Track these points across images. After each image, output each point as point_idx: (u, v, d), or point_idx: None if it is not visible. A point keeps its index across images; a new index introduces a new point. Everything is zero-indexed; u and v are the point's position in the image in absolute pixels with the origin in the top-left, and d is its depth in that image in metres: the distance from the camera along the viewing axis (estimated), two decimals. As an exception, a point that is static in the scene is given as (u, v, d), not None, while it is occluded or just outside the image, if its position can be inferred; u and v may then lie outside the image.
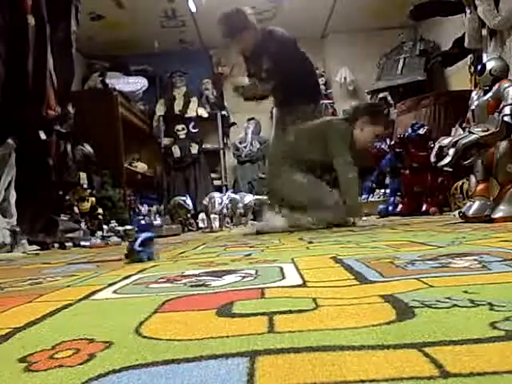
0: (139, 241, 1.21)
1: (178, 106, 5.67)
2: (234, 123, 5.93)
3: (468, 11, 2.80)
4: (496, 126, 1.95)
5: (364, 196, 4.37)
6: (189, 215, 4.41)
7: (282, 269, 0.86)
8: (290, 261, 0.97)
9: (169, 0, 4.71)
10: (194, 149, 5.66)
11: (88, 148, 3.58)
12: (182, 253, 1.52)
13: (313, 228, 2.36)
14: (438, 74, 5.15)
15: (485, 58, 2.64)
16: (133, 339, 0.44)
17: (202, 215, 4.37)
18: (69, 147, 2.97)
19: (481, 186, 2.02)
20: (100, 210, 3.48)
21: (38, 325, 0.53)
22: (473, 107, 2.15)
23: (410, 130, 3.48)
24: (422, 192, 3.41)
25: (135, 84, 5.19)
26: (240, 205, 4.02)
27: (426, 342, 0.37)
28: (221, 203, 3.80)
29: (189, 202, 4.36)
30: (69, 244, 2.57)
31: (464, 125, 2.34)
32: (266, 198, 4.59)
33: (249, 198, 4.22)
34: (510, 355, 0.33)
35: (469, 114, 2.21)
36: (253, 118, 5.79)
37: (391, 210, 3.57)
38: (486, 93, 2.08)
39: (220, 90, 5.92)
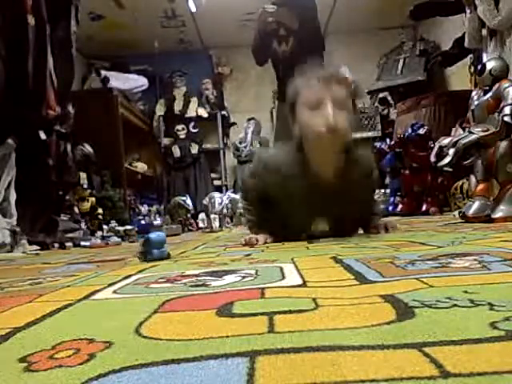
0: (141, 241, 1.22)
1: (178, 106, 5.67)
2: (234, 123, 5.93)
3: (468, 11, 2.80)
4: (496, 126, 1.95)
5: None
6: (189, 215, 4.41)
7: (281, 269, 0.86)
8: (289, 261, 0.97)
9: (169, 0, 4.71)
10: (194, 149, 5.66)
11: (88, 148, 3.58)
12: (182, 253, 1.52)
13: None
14: (438, 74, 5.15)
15: (485, 57, 2.64)
16: (133, 339, 0.44)
17: (202, 215, 4.36)
18: (69, 147, 2.96)
19: (481, 186, 2.02)
20: (100, 210, 3.48)
21: (38, 325, 0.53)
22: (473, 107, 2.15)
23: (409, 130, 3.47)
24: (421, 192, 3.41)
25: (135, 81, 5.19)
26: (240, 205, 4.02)
27: (426, 341, 0.37)
28: (221, 203, 3.80)
29: (189, 202, 4.35)
30: (69, 244, 2.57)
31: (464, 125, 2.34)
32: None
33: (249, 198, 4.22)
34: (510, 355, 0.33)
35: (469, 114, 2.21)
36: (253, 118, 5.79)
37: (391, 209, 3.57)
38: (485, 93, 2.08)
39: (220, 90, 5.92)
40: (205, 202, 3.91)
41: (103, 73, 4.85)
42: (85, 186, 3.44)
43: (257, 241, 1.55)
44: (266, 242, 1.56)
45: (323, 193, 1.42)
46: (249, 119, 5.83)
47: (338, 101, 1.33)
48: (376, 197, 1.82)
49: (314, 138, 1.38)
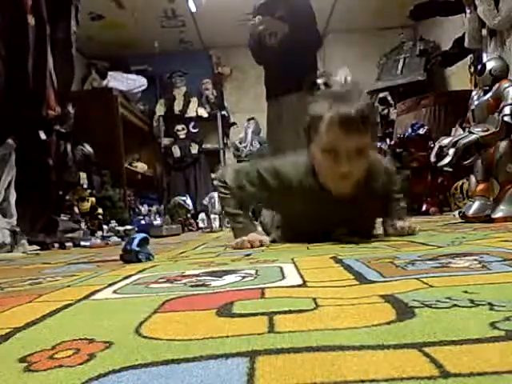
0: (137, 241, 1.21)
1: (178, 106, 5.67)
2: (234, 123, 5.93)
3: (468, 11, 2.80)
4: (496, 125, 1.95)
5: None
6: (189, 215, 4.41)
7: (281, 269, 0.86)
8: (290, 261, 0.97)
9: (169, 0, 4.71)
10: (194, 149, 5.66)
11: (88, 148, 3.58)
12: (182, 253, 1.52)
13: None
14: (438, 74, 5.15)
15: (485, 57, 2.64)
16: (133, 339, 0.44)
17: (202, 215, 4.36)
18: (69, 147, 2.97)
19: (481, 186, 2.02)
20: (100, 210, 3.48)
21: (38, 325, 0.53)
22: (473, 107, 2.15)
23: (409, 130, 3.48)
24: (421, 192, 3.41)
25: (134, 81, 5.19)
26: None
27: (426, 342, 0.37)
28: (221, 203, 3.79)
29: (189, 202, 4.36)
30: (69, 244, 2.57)
31: (464, 125, 2.34)
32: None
33: (249, 198, 4.22)
34: (510, 355, 0.33)
35: (469, 114, 2.21)
36: (253, 118, 5.78)
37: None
38: (485, 93, 2.08)
39: (220, 90, 5.92)
40: (205, 201, 3.92)
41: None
42: (85, 186, 3.43)
43: (251, 245, 1.42)
44: (261, 245, 1.43)
45: (337, 209, 1.38)
46: (249, 119, 5.82)
47: (356, 149, 1.29)
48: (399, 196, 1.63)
49: (327, 180, 1.38)
